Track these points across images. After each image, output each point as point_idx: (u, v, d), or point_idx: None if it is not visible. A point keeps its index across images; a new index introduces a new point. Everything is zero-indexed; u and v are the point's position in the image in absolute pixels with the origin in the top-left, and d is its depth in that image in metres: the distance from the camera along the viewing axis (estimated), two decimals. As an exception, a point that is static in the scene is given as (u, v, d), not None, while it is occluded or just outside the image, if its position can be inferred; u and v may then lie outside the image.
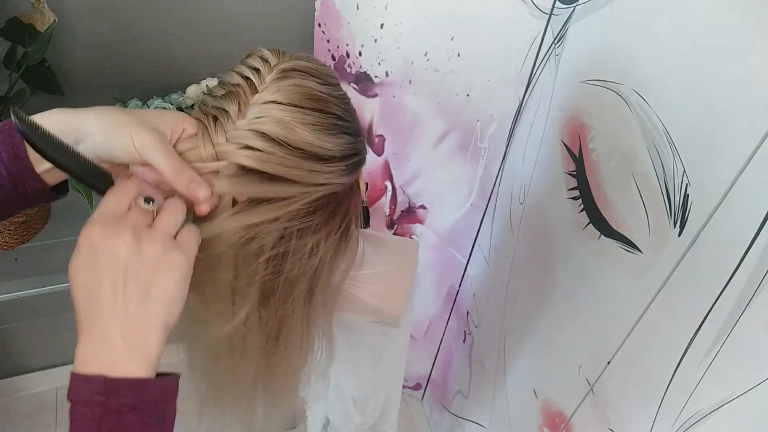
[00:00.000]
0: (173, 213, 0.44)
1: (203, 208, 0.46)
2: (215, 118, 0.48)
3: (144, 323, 0.40)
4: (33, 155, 0.43)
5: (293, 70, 0.49)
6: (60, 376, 1.66)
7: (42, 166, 0.44)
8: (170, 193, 0.46)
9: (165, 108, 1.11)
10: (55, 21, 0.99)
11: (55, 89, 1.06)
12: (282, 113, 0.47)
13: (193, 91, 1.17)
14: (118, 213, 0.41)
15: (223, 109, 0.47)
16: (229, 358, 0.56)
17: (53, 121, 0.43)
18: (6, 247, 1.10)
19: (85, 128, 0.43)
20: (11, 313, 1.46)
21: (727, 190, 0.62)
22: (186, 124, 0.48)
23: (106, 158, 0.45)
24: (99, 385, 0.38)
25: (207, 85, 1.17)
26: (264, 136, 0.46)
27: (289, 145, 0.47)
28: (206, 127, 0.47)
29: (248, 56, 0.51)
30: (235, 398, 0.61)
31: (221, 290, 0.52)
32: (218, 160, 0.47)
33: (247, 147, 0.46)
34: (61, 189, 0.48)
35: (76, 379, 0.38)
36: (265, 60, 0.49)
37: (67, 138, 0.42)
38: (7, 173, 0.43)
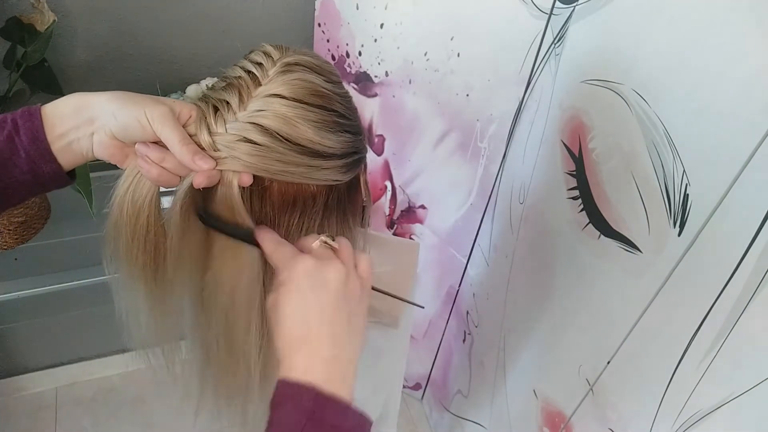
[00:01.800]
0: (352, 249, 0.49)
1: (199, 180, 0.46)
2: (215, 108, 0.47)
3: (349, 349, 0.44)
4: (51, 139, 0.44)
5: (297, 64, 0.49)
6: (60, 376, 1.66)
7: (56, 145, 0.45)
8: (174, 174, 0.47)
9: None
10: (55, 21, 0.99)
11: (55, 89, 1.06)
12: (285, 108, 0.46)
13: (193, 91, 1.17)
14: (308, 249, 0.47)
15: (224, 100, 0.47)
16: (226, 356, 0.56)
17: (71, 102, 0.45)
18: (6, 247, 1.10)
19: (98, 106, 0.45)
20: (11, 313, 1.46)
21: (727, 190, 0.62)
22: (193, 112, 0.48)
23: (120, 134, 0.45)
24: (311, 394, 0.41)
25: (207, 85, 1.17)
26: (264, 130, 0.46)
27: (289, 140, 0.47)
28: (205, 117, 0.47)
29: (251, 51, 0.51)
30: (230, 398, 0.61)
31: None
32: (216, 150, 0.46)
33: (246, 140, 0.46)
34: (70, 174, 0.49)
35: (289, 385, 0.41)
36: (267, 54, 0.49)
37: (82, 117, 0.45)
38: (26, 155, 0.44)
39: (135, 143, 0.46)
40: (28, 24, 0.99)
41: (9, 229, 1.08)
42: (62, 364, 1.66)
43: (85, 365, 1.67)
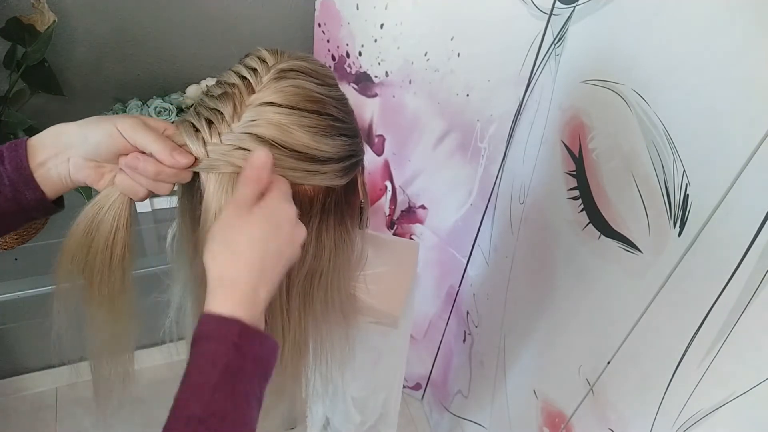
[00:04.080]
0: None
1: (169, 172, 0.47)
2: (209, 121, 0.48)
3: (271, 285, 0.46)
4: (33, 167, 0.46)
5: (291, 70, 0.49)
6: (60, 376, 1.66)
7: (36, 172, 0.47)
8: (170, 183, 0.48)
9: (165, 108, 1.11)
10: (55, 21, 0.99)
11: (55, 89, 1.06)
12: (278, 116, 0.47)
13: (193, 91, 1.17)
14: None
15: (218, 111, 0.47)
16: None
17: (51, 132, 0.47)
18: (6, 247, 1.10)
19: (73, 133, 0.47)
20: (11, 313, 1.46)
21: (727, 190, 0.62)
22: (167, 125, 0.50)
23: (93, 154, 0.47)
24: (237, 328, 0.42)
25: (207, 85, 1.16)
26: (260, 138, 0.46)
27: (285, 147, 0.47)
28: (197, 129, 0.48)
29: (246, 56, 0.51)
30: None
31: None
32: (209, 158, 0.48)
33: (242, 148, 0.46)
34: (58, 202, 0.51)
35: (215, 319, 0.43)
36: (262, 60, 0.49)
37: (60, 144, 0.46)
38: (9, 182, 0.46)
39: (109, 161, 0.48)
40: (28, 24, 0.99)
41: (9, 229, 1.08)
42: (62, 364, 1.66)
43: (85, 365, 1.67)
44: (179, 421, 0.40)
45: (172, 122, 0.50)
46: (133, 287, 0.54)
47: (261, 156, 0.45)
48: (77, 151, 0.47)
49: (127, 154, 0.47)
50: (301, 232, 0.48)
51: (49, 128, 0.48)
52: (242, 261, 0.44)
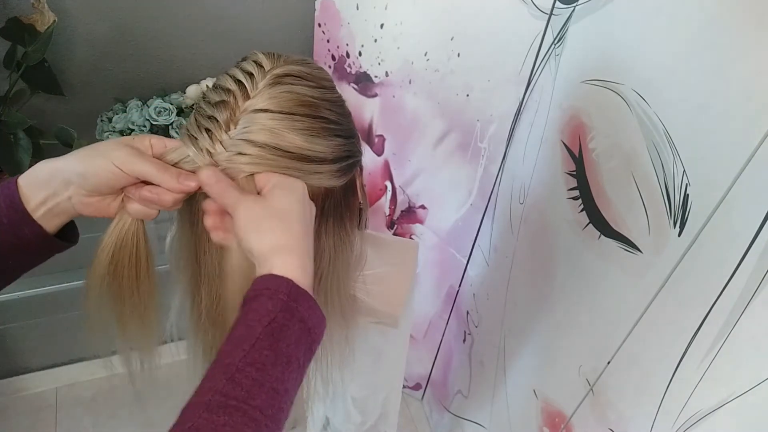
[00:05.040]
0: None
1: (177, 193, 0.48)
2: (208, 130, 0.49)
3: (309, 255, 0.47)
4: (29, 205, 0.46)
5: (287, 75, 0.49)
6: (60, 376, 1.66)
7: (38, 213, 0.47)
8: (168, 208, 0.49)
9: (165, 108, 1.11)
10: (55, 21, 0.99)
11: (55, 89, 1.06)
12: (270, 121, 0.48)
13: (193, 91, 1.17)
14: None
15: (216, 119, 0.48)
16: None
17: (42, 171, 0.47)
18: (6, 247, 1.10)
19: (68, 170, 0.46)
20: (11, 313, 1.46)
21: (727, 190, 0.62)
22: (166, 141, 0.50)
23: (96, 190, 0.47)
24: (288, 286, 0.43)
25: (207, 85, 1.17)
26: (254, 143, 0.48)
27: (278, 149, 0.48)
28: (199, 141, 0.49)
29: (244, 59, 0.52)
30: None
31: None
32: (217, 165, 0.48)
33: (241, 153, 0.48)
34: (68, 237, 0.50)
35: (265, 278, 0.43)
36: (259, 64, 0.50)
37: (56, 182, 0.46)
38: (8, 221, 0.46)
39: (112, 193, 0.48)
40: (28, 24, 0.99)
41: (9, 229, 1.08)
42: (62, 364, 1.66)
43: (85, 365, 1.67)
44: (218, 369, 0.40)
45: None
46: (160, 289, 0.55)
47: (204, 175, 0.47)
48: (78, 190, 0.47)
49: (133, 184, 0.48)
50: (312, 207, 0.49)
51: (38, 166, 0.47)
52: (290, 229, 0.45)
